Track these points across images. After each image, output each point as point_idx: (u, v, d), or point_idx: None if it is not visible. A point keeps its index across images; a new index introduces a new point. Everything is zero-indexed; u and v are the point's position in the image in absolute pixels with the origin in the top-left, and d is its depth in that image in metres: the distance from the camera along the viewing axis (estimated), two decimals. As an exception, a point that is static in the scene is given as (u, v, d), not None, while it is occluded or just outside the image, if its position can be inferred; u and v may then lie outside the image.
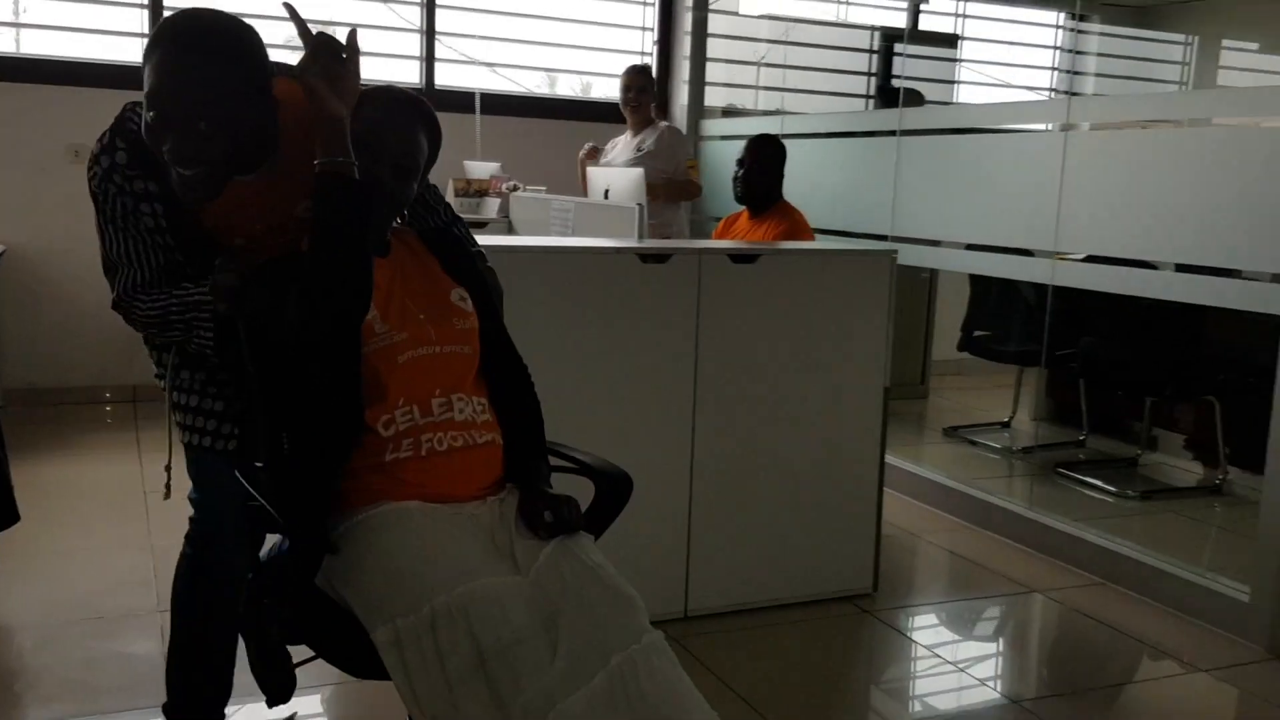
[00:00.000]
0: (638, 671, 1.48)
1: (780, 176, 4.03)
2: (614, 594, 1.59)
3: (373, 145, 1.72)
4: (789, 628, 2.98)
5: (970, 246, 4.24)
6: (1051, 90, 6.96)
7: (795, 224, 3.97)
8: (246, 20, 1.76)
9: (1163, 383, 4.40)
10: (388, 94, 1.83)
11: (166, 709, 2.12)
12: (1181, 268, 3.57)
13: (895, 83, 6.33)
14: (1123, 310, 4.45)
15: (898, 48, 6.51)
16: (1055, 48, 7.01)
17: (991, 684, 2.82)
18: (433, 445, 1.70)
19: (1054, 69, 6.97)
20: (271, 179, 1.81)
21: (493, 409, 1.82)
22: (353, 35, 1.70)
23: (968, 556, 3.61)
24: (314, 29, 1.71)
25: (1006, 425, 5.45)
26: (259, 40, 1.76)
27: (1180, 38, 7.48)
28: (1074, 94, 5.99)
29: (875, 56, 6.58)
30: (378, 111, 1.76)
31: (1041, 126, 4.14)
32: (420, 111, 1.83)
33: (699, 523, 2.98)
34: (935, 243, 4.30)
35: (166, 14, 1.91)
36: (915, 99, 5.76)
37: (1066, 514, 3.78)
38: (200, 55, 1.66)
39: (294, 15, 1.72)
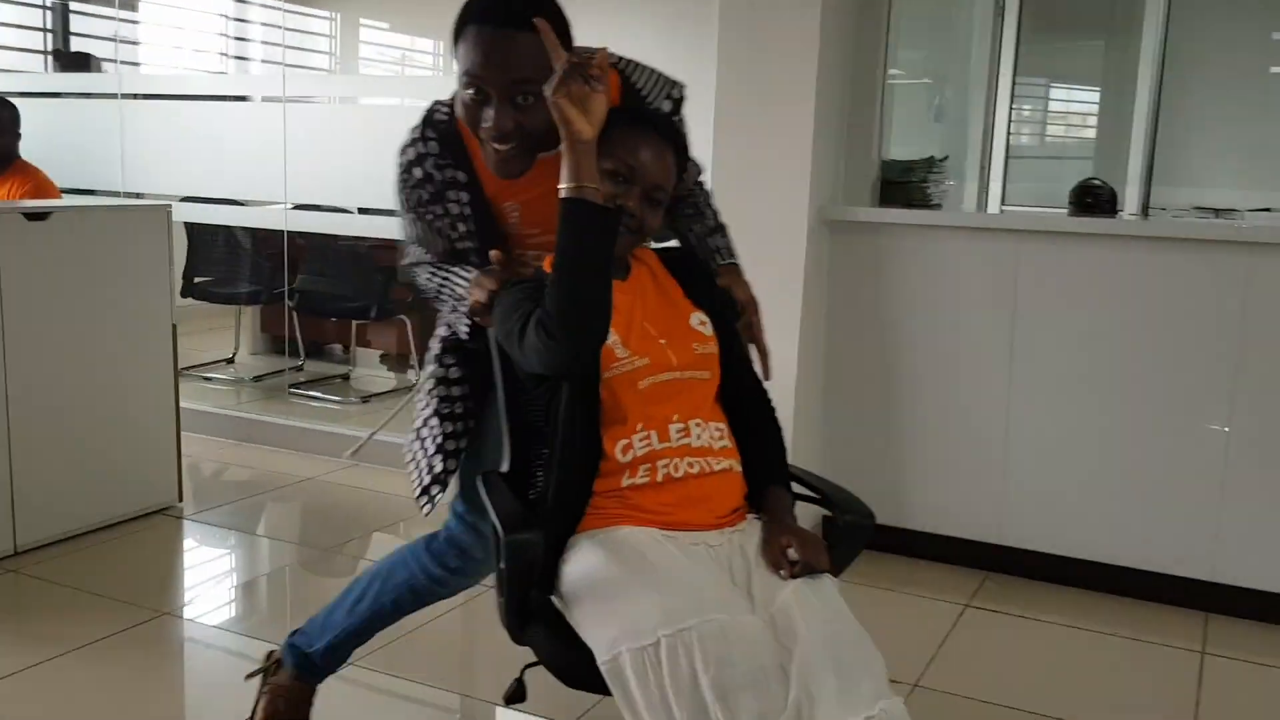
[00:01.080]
0: None
1: (17, 136, 4.16)
2: (854, 649, 1.48)
3: (621, 172, 1.68)
4: (119, 542, 3.39)
5: (192, 199, 4.80)
6: (224, 55, 7.59)
7: (39, 182, 4.14)
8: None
9: (368, 308, 5.45)
10: (638, 115, 1.77)
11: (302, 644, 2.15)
12: (364, 210, 4.61)
13: (84, 44, 6.43)
14: (330, 249, 5.40)
15: (75, 6, 6.60)
16: (225, 16, 7.63)
17: (291, 545, 3.58)
18: (669, 471, 1.67)
19: (228, 37, 7.61)
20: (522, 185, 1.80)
21: (732, 435, 1.77)
22: (603, 55, 1.59)
23: (245, 464, 4.27)
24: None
25: (231, 361, 6.10)
26: (564, 12, 1.70)
27: (327, 14, 8.58)
28: (283, 64, 6.73)
29: (53, 14, 6.57)
30: (627, 134, 1.69)
31: (253, 96, 4.84)
32: (672, 133, 1.78)
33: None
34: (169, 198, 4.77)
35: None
36: (88, 62, 6.00)
37: (313, 420, 4.64)
38: (515, 29, 1.63)
39: (546, 34, 1.60)
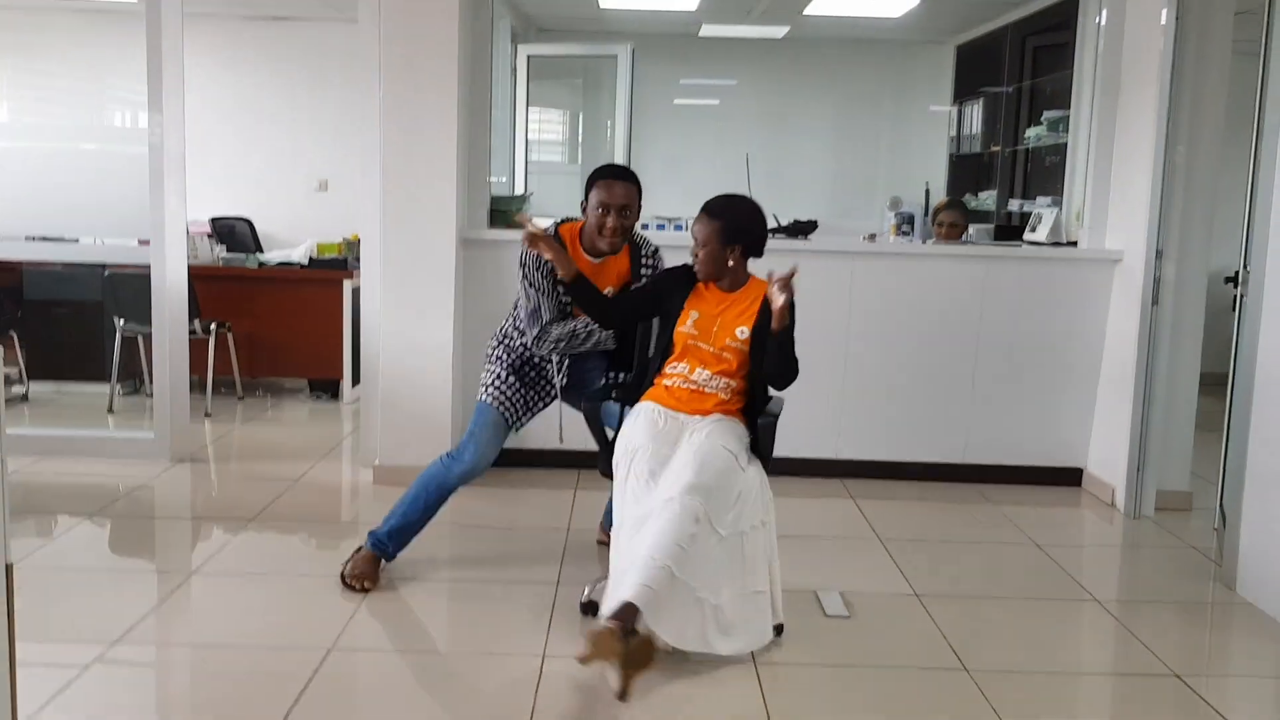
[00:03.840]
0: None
1: None
2: (690, 464, 2.98)
3: (697, 237, 3.28)
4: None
5: None
6: None
7: None
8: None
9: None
10: (704, 208, 3.32)
11: (375, 530, 3.60)
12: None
13: None
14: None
15: None
16: None
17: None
18: (676, 383, 3.23)
19: None
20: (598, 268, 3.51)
21: (740, 389, 3.23)
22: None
23: None
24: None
25: None
26: (637, 177, 3.48)
27: None
28: None
29: None
30: (700, 219, 3.28)
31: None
32: (718, 212, 3.30)
33: None
34: None
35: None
36: None
37: None
38: (623, 180, 3.44)
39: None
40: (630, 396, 3.37)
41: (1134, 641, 3.36)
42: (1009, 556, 4.15)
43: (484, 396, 3.62)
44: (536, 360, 3.66)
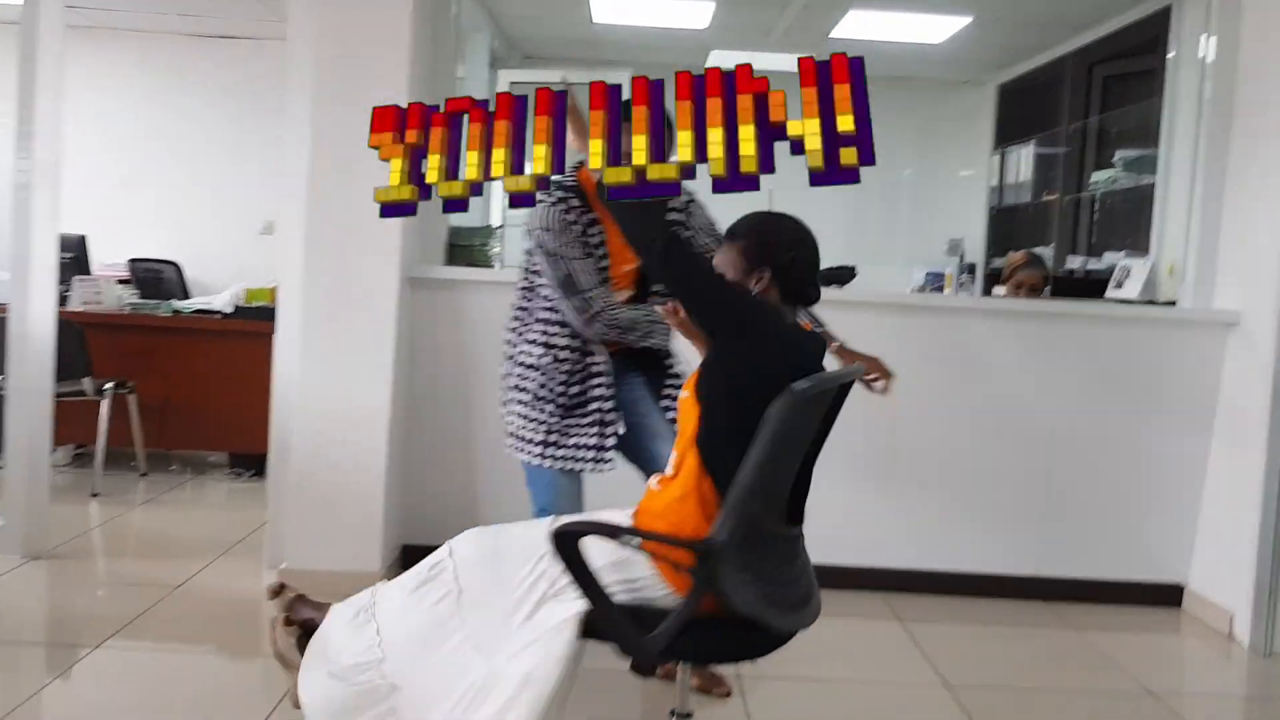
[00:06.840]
0: None
1: None
2: None
3: None
4: None
5: None
6: None
7: None
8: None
9: None
10: None
11: None
12: None
13: None
14: None
15: None
16: None
17: None
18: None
19: None
20: None
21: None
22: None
23: None
24: None
25: None
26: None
27: None
28: None
29: None
30: None
31: None
32: None
33: None
34: None
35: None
36: None
37: None
38: None
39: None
40: None
41: None
42: (1119, 713, 3.08)
43: (528, 457, 2.69)
44: (577, 373, 2.64)
